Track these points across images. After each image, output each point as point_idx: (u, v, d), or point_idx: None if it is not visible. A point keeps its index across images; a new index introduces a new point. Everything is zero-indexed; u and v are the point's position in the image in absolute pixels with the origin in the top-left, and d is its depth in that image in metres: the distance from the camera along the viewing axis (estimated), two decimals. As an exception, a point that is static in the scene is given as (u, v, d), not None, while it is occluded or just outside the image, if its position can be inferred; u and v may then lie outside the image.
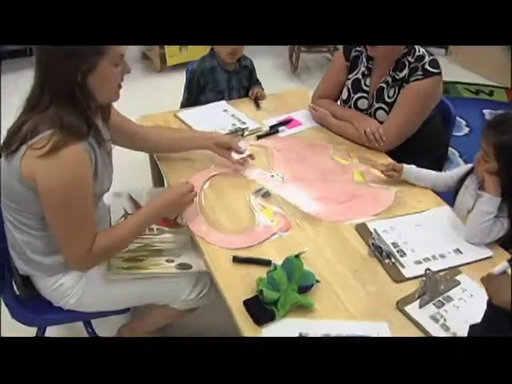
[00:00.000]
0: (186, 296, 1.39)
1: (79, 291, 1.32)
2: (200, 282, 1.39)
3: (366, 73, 1.80)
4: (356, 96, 1.83)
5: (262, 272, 1.20)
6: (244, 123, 1.86)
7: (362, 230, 1.37)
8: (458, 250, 1.31)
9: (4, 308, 1.39)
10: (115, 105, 1.37)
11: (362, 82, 1.81)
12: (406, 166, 1.55)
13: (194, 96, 2.05)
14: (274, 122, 1.89)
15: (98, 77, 1.16)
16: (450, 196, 1.55)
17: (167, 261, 1.38)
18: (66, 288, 1.31)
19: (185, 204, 1.36)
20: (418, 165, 1.84)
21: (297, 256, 1.14)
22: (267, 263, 1.23)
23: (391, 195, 1.51)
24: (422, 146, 1.79)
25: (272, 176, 1.59)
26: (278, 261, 1.22)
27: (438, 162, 1.92)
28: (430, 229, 1.38)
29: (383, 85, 1.75)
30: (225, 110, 1.95)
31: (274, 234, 1.34)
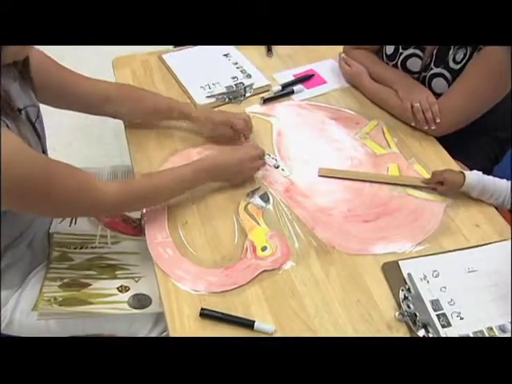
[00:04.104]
0: (144, 335, 1.04)
1: (6, 315, 1.01)
2: (161, 321, 1.03)
3: (424, 19, 1.27)
4: (406, 52, 1.31)
5: (241, 335, 0.84)
6: (249, 77, 1.38)
7: (392, 272, 0.96)
8: (525, 320, 0.91)
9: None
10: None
11: (418, 31, 1.29)
12: (469, 174, 1.07)
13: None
14: (288, 77, 1.40)
15: None
16: None
17: (120, 289, 1.01)
18: None
19: (250, 171, 1.09)
20: (479, 150, 1.38)
21: None
22: (248, 325, 0.86)
23: (439, 212, 1.07)
24: (487, 126, 1.31)
25: (277, 167, 1.16)
26: (265, 314, 0.87)
27: (502, 145, 1.44)
28: (489, 279, 0.96)
29: (448, 41, 1.23)
30: (226, 55, 1.46)
31: (263, 272, 0.95)
